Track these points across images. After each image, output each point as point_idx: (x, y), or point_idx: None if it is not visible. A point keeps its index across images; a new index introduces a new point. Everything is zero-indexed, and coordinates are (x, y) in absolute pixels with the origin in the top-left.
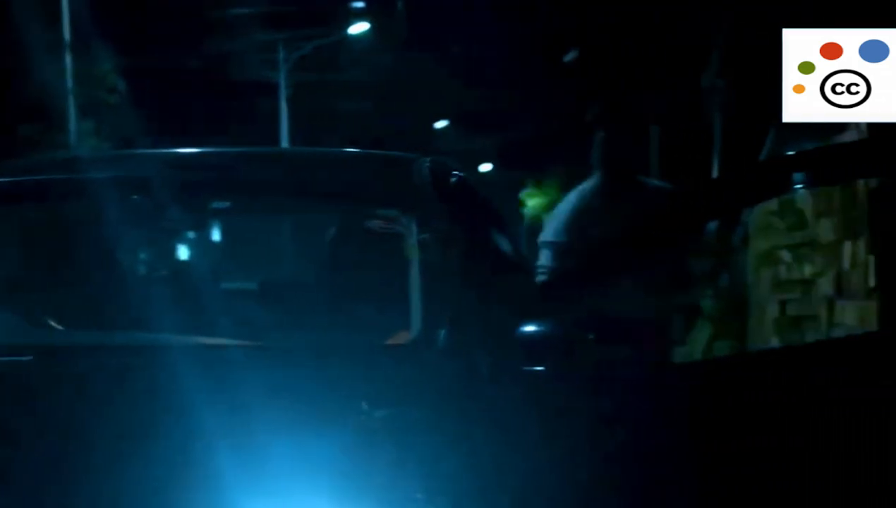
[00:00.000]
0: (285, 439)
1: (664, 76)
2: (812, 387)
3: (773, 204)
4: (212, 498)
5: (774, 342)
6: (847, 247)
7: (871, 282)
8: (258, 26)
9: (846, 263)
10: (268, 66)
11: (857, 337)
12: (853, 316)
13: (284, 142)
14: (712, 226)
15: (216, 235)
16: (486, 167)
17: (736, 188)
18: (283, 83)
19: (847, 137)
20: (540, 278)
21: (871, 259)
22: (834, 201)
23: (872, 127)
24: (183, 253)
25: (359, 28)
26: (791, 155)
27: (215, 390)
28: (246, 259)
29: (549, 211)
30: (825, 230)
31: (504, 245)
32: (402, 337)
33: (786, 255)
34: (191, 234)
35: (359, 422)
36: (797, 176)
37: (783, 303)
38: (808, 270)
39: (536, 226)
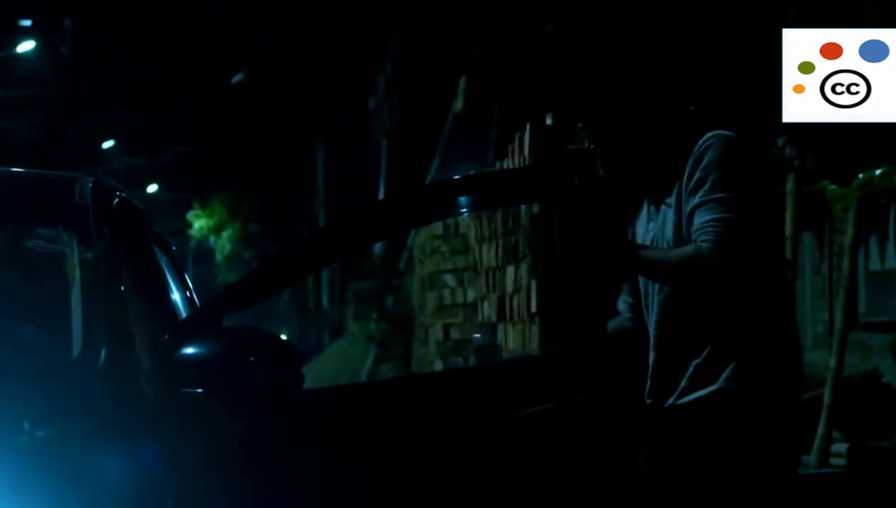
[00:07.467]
0: None
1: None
2: (475, 410)
3: (437, 228)
4: None
5: (438, 365)
6: (510, 271)
7: (533, 306)
8: None
9: (509, 287)
10: None
11: (518, 360)
12: (515, 340)
13: None
14: (378, 248)
15: None
16: (153, 187)
17: (401, 210)
18: None
19: (509, 163)
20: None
21: (533, 283)
22: (496, 226)
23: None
24: None
25: (25, 46)
26: (456, 178)
27: None
28: None
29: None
30: (488, 254)
31: (167, 266)
32: (61, 357)
33: (450, 279)
34: None
35: (16, 443)
36: (462, 200)
37: (447, 327)
38: (471, 294)
39: (203, 247)
